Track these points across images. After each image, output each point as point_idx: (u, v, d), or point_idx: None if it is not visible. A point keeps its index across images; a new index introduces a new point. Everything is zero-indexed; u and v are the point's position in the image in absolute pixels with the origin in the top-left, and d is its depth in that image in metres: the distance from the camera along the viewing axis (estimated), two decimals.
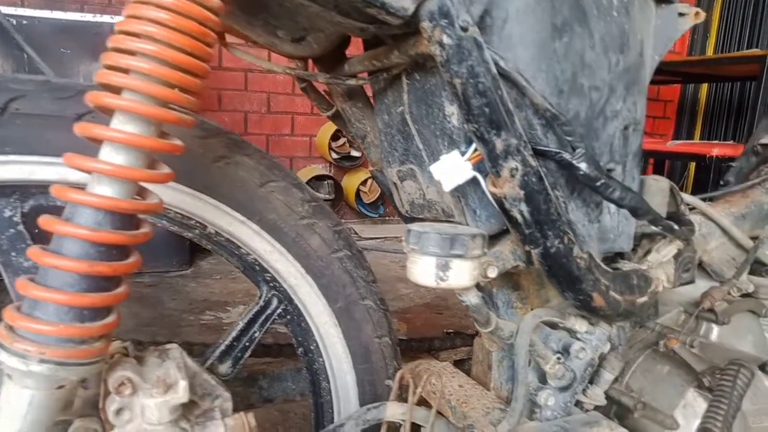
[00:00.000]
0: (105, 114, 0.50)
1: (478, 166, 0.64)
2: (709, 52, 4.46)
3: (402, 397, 0.71)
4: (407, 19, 0.56)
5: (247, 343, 0.76)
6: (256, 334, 0.76)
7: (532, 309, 0.80)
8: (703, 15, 0.84)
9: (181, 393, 0.54)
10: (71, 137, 0.51)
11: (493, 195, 0.64)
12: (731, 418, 0.66)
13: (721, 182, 1.18)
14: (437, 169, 0.66)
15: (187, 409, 0.59)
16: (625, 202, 0.67)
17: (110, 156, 0.48)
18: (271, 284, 0.76)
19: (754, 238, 0.98)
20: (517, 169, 0.62)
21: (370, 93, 0.86)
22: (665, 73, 3.83)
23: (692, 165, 4.28)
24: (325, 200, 3.70)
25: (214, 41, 0.50)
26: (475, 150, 0.64)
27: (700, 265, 0.96)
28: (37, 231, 0.53)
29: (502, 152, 0.61)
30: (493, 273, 0.66)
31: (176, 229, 0.69)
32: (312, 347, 0.79)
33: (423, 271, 0.62)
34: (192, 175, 0.66)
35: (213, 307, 2.37)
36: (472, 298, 0.65)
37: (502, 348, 0.87)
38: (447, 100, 0.67)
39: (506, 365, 0.88)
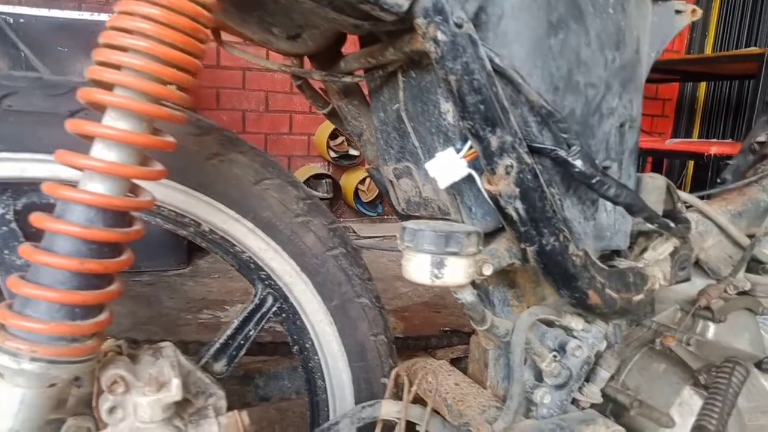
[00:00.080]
0: (97, 111, 0.49)
1: (474, 164, 0.64)
2: (708, 50, 4.46)
3: (397, 395, 0.71)
4: (401, 15, 0.55)
5: (242, 342, 0.76)
6: (251, 333, 0.76)
7: (528, 307, 0.80)
8: (699, 12, 0.84)
9: (174, 391, 0.54)
10: (64, 134, 0.51)
11: (489, 192, 0.64)
12: (726, 416, 0.66)
13: (719, 180, 1.17)
14: (432, 167, 0.66)
15: (180, 408, 0.59)
16: (620, 199, 0.67)
17: (102, 153, 0.48)
18: (266, 282, 0.75)
19: (750, 236, 0.97)
20: (512, 166, 0.61)
21: (366, 90, 0.86)
22: (664, 71, 3.83)
23: (691, 163, 4.28)
24: (324, 199, 3.70)
25: (206, 38, 0.50)
26: (471, 147, 0.64)
27: (697, 263, 0.96)
28: (30, 229, 0.53)
29: (498, 149, 0.60)
30: (488, 270, 0.66)
31: (170, 227, 0.68)
32: (307, 345, 0.79)
33: (418, 268, 0.62)
34: (186, 172, 0.66)
35: (211, 306, 2.37)
36: (468, 296, 0.65)
37: (498, 346, 0.87)
38: (442, 97, 0.67)
39: (502, 363, 0.88)
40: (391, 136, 0.80)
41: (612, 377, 0.81)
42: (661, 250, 0.81)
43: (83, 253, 0.47)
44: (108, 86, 0.48)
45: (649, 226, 0.78)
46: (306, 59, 0.84)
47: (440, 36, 0.55)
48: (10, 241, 0.62)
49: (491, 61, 0.59)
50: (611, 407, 0.83)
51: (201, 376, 0.61)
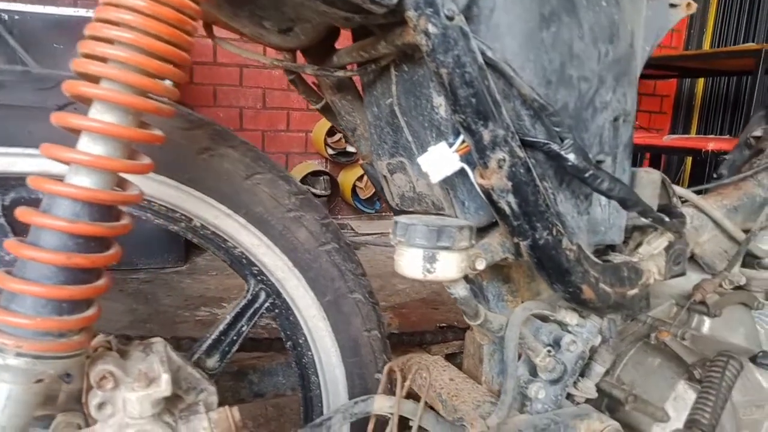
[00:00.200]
0: (83, 103, 0.49)
1: (467, 158, 0.64)
2: (706, 46, 4.45)
3: (391, 391, 0.71)
4: (392, 7, 0.55)
5: (235, 337, 0.75)
6: (243, 328, 0.76)
7: (522, 302, 0.79)
8: (694, 6, 0.84)
9: (164, 386, 0.54)
10: (52, 128, 0.50)
11: (481, 186, 0.64)
12: (720, 410, 0.65)
13: (715, 175, 1.17)
14: (425, 161, 0.66)
15: (171, 403, 0.58)
16: (613, 193, 0.66)
17: (88, 146, 0.47)
18: (259, 278, 0.75)
19: (746, 231, 0.97)
20: (504, 160, 0.61)
21: (359, 85, 0.86)
22: (662, 67, 3.83)
23: (689, 159, 4.28)
24: (321, 196, 3.69)
25: (194, 30, 0.50)
26: (463, 141, 0.63)
27: (692, 258, 0.96)
28: (19, 224, 0.52)
29: (490, 143, 0.60)
30: (481, 265, 0.65)
31: (162, 222, 0.68)
32: (300, 341, 0.79)
33: (410, 263, 0.62)
34: (176, 167, 0.66)
35: (208, 303, 2.37)
36: (460, 291, 0.65)
37: (493, 341, 0.86)
38: (435, 91, 0.66)
39: (497, 358, 0.87)
40: (384, 130, 0.80)
41: (607, 372, 0.81)
42: (656, 244, 0.81)
43: (70, 248, 0.47)
44: (94, 79, 0.48)
45: (644, 220, 0.78)
46: (299, 54, 0.83)
47: (431, 28, 0.55)
48: None
49: (483, 54, 0.59)
50: (606, 402, 0.83)
51: (192, 371, 0.61)
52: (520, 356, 0.78)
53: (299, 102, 3.67)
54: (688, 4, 0.83)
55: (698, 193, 1.01)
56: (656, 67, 3.80)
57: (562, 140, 0.64)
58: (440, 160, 0.65)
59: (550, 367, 0.76)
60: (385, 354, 0.83)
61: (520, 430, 0.72)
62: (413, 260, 0.61)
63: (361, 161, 0.96)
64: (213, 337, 0.75)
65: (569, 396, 0.80)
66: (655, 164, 4.14)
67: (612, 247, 0.83)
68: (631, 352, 0.86)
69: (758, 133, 1.12)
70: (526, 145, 0.63)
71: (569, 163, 0.64)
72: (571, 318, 0.78)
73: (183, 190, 0.67)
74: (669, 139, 3.45)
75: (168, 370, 0.55)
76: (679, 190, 0.91)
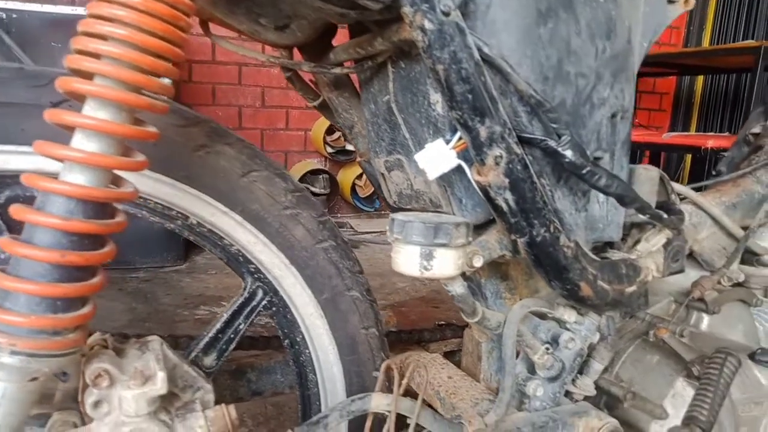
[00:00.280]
0: (76, 100, 0.49)
1: (464, 155, 0.64)
2: (705, 43, 4.45)
3: (388, 388, 0.71)
4: (388, 3, 0.55)
5: (232, 336, 0.75)
6: (240, 326, 0.75)
7: (520, 299, 0.79)
8: (692, 2, 0.83)
9: (159, 384, 0.54)
10: (46, 126, 0.50)
11: (478, 183, 0.63)
12: (718, 406, 0.65)
13: (714, 172, 1.17)
14: (422, 158, 0.65)
15: (167, 401, 0.58)
16: (611, 189, 0.66)
17: (82, 143, 0.47)
18: (256, 276, 0.75)
19: (745, 228, 0.97)
20: (501, 156, 0.61)
21: (357, 82, 0.85)
22: (661, 65, 3.83)
23: (688, 157, 4.27)
24: (321, 195, 3.69)
25: (187, 26, 0.49)
26: (460, 138, 0.63)
27: (691, 255, 0.96)
28: (14, 222, 0.52)
29: (486, 140, 0.60)
30: (478, 262, 0.65)
31: (158, 220, 0.68)
32: (298, 339, 0.78)
33: (407, 260, 0.62)
34: (172, 164, 0.65)
35: (208, 302, 2.37)
36: (458, 288, 0.65)
37: (491, 339, 0.86)
38: (432, 87, 0.66)
39: (495, 356, 0.87)
40: (381, 128, 0.79)
41: (605, 369, 0.81)
42: (654, 241, 0.81)
43: (64, 245, 0.47)
44: (87, 75, 0.47)
45: (642, 217, 0.77)
46: (296, 51, 0.83)
47: (427, 24, 0.55)
48: None
49: (479, 50, 0.58)
50: (605, 399, 0.83)
51: (188, 369, 0.61)
52: (518, 354, 0.78)
53: (298, 100, 3.66)
54: (686, 0, 0.83)
55: (697, 190, 1.00)
56: (655, 65, 3.79)
57: (559, 137, 0.64)
58: (437, 157, 0.64)
59: (548, 365, 0.76)
60: (383, 351, 0.83)
61: (518, 427, 0.72)
62: (410, 257, 0.61)
63: (358, 159, 0.96)
64: (210, 335, 0.74)
65: (568, 393, 0.80)
66: (654, 162, 4.14)
67: (610, 244, 0.82)
68: (630, 350, 0.86)
69: (757, 129, 1.11)
70: (523, 141, 0.63)
71: (566, 160, 0.63)
72: (569, 315, 0.78)
73: (179, 188, 0.66)
74: (668, 137, 3.45)
75: (164, 368, 0.55)
76: (677, 187, 0.91)
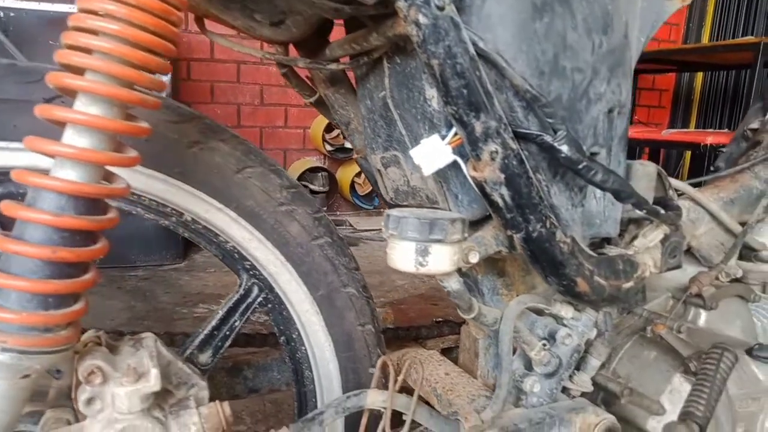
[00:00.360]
0: (67, 96, 0.48)
1: (459, 150, 0.63)
2: (705, 40, 4.44)
3: (385, 385, 0.71)
4: None
5: (228, 332, 0.75)
6: (236, 323, 0.75)
7: (517, 295, 0.79)
8: None
9: (153, 381, 0.53)
10: (39, 122, 0.50)
11: (474, 179, 0.63)
12: (714, 401, 0.65)
13: (712, 168, 1.17)
14: (417, 154, 0.65)
15: (161, 399, 0.58)
16: (607, 185, 0.66)
17: (73, 139, 0.47)
18: (251, 272, 0.74)
19: (743, 223, 0.97)
20: (497, 152, 0.60)
21: (353, 78, 0.85)
22: (660, 62, 3.82)
23: (688, 154, 4.27)
24: (320, 192, 3.69)
25: (179, 20, 0.49)
26: (455, 133, 0.63)
27: (689, 251, 0.96)
28: (7, 219, 0.52)
29: (482, 135, 0.59)
30: (474, 258, 0.65)
31: (152, 217, 0.67)
32: (294, 336, 0.78)
33: (402, 256, 0.61)
34: (166, 160, 0.65)
35: (206, 300, 2.36)
36: (453, 284, 0.64)
37: (488, 335, 0.86)
38: (427, 83, 0.66)
39: (492, 352, 0.87)
40: (378, 124, 0.79)
41: (602, 365, 0.81)
42: (651, 237, 0.80)
43: (55, 242, 0.46)
44: (79, 71, 0.47)
45: (639, 213, 0.77)
46: (292, 47, 0.83)
47: (422, 19, 0.54)
48: None
49: (474, 44, 0.58)
50: (602, 395, 0.83)
51: (182, 366, 0.61)
52: (515, 350, 0.78)
53: (297, 98, 3.65)
54: None
55: (695, 185, 1.00)
56: (655, 62, 3.79)
57: (555, 132, 0.63)
58: (433, 152, 0.64)
59: (545, 361, 0.75)
60: (380, 348, 0.83)
61: (515, 423, 0.72)
62: (405, 253, 0.61)
63: (355, 155, 0.96)
64: (205, 332, 0.74)
65: (565, 390, 0.79)
66: (654, 158, 4.13)
67: (608, 240, 0.82)
68: (627, 346, 0.86)
69: (755, 125, 1.11)
70: (518, 136, 0.62)
71: (562, 155, 0.63)
72: (566, 311, 0.78)
73: (173, 184, 0.66)
74: (668, 134, 3.45)
75: (157, 365, 0.55)
76: (675, 182, 0.90)
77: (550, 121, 0.64)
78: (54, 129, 0.49)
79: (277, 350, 0.94)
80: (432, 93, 0.66)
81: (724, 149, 1.20)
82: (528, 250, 0.67)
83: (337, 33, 0.79)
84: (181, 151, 0.66)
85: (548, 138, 0.63)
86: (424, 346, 1.01)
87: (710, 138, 2.97)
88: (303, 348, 0.79)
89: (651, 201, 0.77)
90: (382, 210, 3.95)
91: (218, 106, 3.52)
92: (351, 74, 0.84)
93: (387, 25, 0.64)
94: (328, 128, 3.60)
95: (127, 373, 0.53)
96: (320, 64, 0.77)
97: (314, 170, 3.69)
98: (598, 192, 0.75)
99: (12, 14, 2.41)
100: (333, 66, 0.76)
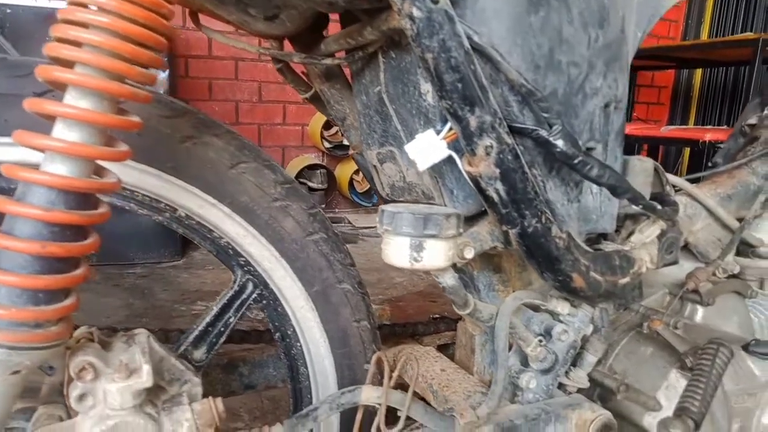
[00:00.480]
0: (57, 89, 0.48)
1: (454, 145, 0.63)
2: (704, 36, 4.43)
3: (380, 381, 0.70)
4: None
5: (222, 329, 0.74)
6: (231, 320, 0.75)
7: (514, 291, 0.79)
8: None
9: (145, 377, 0.53)
10: (30, 116, 0.49)
11: (469, 174, 0.63)
12: (710, 397, 0.65)
13: (710, 164, 1.16)
14: (412, 149, 0.65)
15: (154, 395, 0.58)
16: (603, 180, 0.65)
17: (63, 133, 0.46)
18: (246, 268, 0.74)
19: (740, 219, 0.96)
20: (492, 146, 0.60)
21: (349, 74, 0.85)
22: (659, 58, 3.81)
23: (686, 150, 4.27)
24: (318, 190, 3.68)
25: (170, 13, 0.48)
26: (450, 128, 0.62)
27: (686, 247, 0.95)
28: None
29: (477, 129, 0.59)
30: (469, 254, 0.65)
31: (145, 212, 0.67)
32: (289, 332, 0.78)
33: (397, 251, 0.61)
34: (159, 155, 0.65)
35: (205, 297, 2.36)
36: (448, 279, 0.64)
37: (484, 332, 0.86)
38: (422, 77, 0.65)
39: (489, 349, 0.87)
40: (373, 119, 0.79)
41: (599, 361, 0.81)
42: (648, 233, 0.80)
43: (45, 237, 0.46)
44: (68, 64, 0.47)
45: (636, 208, 0.77)
46: (288, 42, 0.82)
47: (416, 12, 0.54)
48: None
49: (469, 38, 0.57)
50: (598, 391, 0.83)
51: (175, 362, 0.60)
52: (511, 346, 0.78)
53: (295, 96, 3.63)
54: None
55: (693, 181, 1.00)
56: (654, 58, 3.78)
57: (550, 126, 0.63)
58: (428, 147, 0.64)
59: (541, 357, 0.75)
60: (375, 344, 0.82)
61: (511, 419, 0.72)
62: (400, 249, 0.61)
63: (351, 151, 0.95)
64: (200, 328, 0.74)
65: (561, 386, 0.79)
66: (653, 155, 4.12)
67: (604, 236, 0.82)
68: (624, 342, 0.85)
69: (753, 121, 1.10)
70: (514, 131, 0.62)
71: (558, 150, 0.63)
72: (562, 307, 0.78)
73: (166, 180, 0.66)
74: (667, 130, 3.44)
75: (149, 361, 0.54)
76: (672, 178, 0.90)
77: (545, 115, 0.63)
78: (45, 123, 0.49)
79: (272, 347, 0.94)
80: (427, 87, 0.65)
81: (722, 145, 1.19)
82: (523, 245, 0.66)
83: (334, 29, 0.78)
84: (174, 146, 0.66)
85: (544, 133, 0.62)
86: (420, 342, 1.01)
87: (709, 134, 2.97)
88: (298, 344, 0.79)
89: (648, 196, 0.77)
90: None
91: (216, 103, 3.51)
92: (347, 69, 0.83)
93: (381, 19, 0.63)
94: (327, 125, 3.59)
95: (118, 369, 0.52)
96: (315, 59, 0.76)
97: (313, 167, 3.68)
98: (595, 187, 0.74)
99: (8, 11, 2.41)
100: (328, 61, 0.75)
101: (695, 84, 4.52)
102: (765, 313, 0.94)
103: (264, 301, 0.76)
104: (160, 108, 0.65)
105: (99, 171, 0.51)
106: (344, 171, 3.75)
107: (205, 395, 0.63)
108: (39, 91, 0.58)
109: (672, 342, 0.82)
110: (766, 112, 1.08)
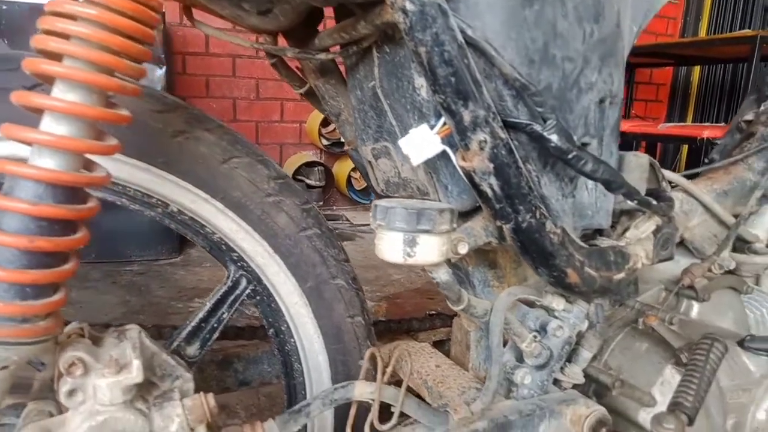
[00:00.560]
0: (45, 82, 0.47)
1: (448, 140, 0.62)
2: (702, 33, 4.43)
3: (374, 377, 0.70)
4: None
5: (215, 325, 0.74)
6: (224, 315, 0.74)
7: (509, 287, 0.78)
8: None
9: (135, 373, 0.53)
10: (19, 110, 0.49)
11: (463, 169, 0.62)
12: (704, 392, 0.64)
13: (706, 160, 1.16)
14: (406, 143, 0.64)
15: (145, 390, 0.57)
16: (597, 175, 0.65)
17: (51, 126, 0.46)
18: (239, 264, 0.74)
19: (736, 215, 0.96)
20: (485, 141, 0.60)
21: (343, 69, 0.84)
22: (658, 55, 3.80)
23: (684, 147, 4.27)
24: (316, 187, 3.68)
25: (159, 5, 0.48)
26: (444, 123, 0.62)
27: (682, 243, 0.95)
28: None
29: (470, 124, 0.58)
30: (463, 249, 0.64)
31: (137, 208, 0.67)
32: (283, 328, 0.78)
33: (390, 247, 0.61)
34: (150, 150, 0.64)
35: (202, 294, 2.36)
36: (442, 275, 0.64)
37: (480, 328, 0.86)
38: (416, 72, 0.65)
39: (484, 345, 0.87)
40: (368, 114, 0.78)
41: (594, 357, 0.80)
42: (643, 228, 0.80)
43: (33, 231, 0.46)
44: (56, 56, 0.46)
45: (632, 204, 0.76)
46: (282, 37, 0.82)
47: (408, 5, 0.53)
48: None
49: (462, 32, 0.57)
50: (593, 387, 0.83)
51: (166, 358, 0.60)
52: (506, 342, 0.77)
53: (293, 93, 3.61)
54: None
55: (689, 177, 1.00)
56: (652, 55, 3.77)
57: (545, 121, 0.63)
58: (421, 142, 0.63)
59: (536, 353, 0.75)
60: (370, 340, 0.82)
61: (505, 415, 0.71)
62: (393, 244, 0.60)
63: (346, 147, 0.95)
64: (193, 324, 0.73)
65: (556, 381, 0.79)
66: (651, 152, 4.13)
67: (600, 232, 0.81)
68: (619, 338, 0.85)
69: (749, 117, 1.10)
70: (508, 126, 0.61)
71: (552, 144, 0.62)
72: (557, 303, 0.77)
73: (158, 174, 0.65)
74: (665, 128, 3.44)
75: (140, 357, 0.54)
76: (668, 174, 0.90)
77: (539, 110, 0.63)
78: (33, 117, 0.48)
79: (267, 343, 0.94)
80: (421, 82, 0.65)
81: (719, 142, 1.19)
82: (518, 240, 0.66)
83: (331, 25, 0.78)
84: (166, 140, 0.65)
85: (538, 127, 0.62)
86: (416, 338, 1.01)
87: (707, 132, 2.97)
88: (292, 340, 0.78)
89: (643, 192, 0.77)
90: None
91: (214, 100, 3.50)
92: (342, 65, 0.83)
93: (375, 13, 0.63)
94: (325, 123, 3.58)
95: (108, 364, 0.52)
96: (309, 53, 0.76)
97: (311, 165, 3.67)
98: (590, 183, 0.74)
99: (4, 7, 2.40)
100: (322, 56, 0.75)
101: (693, 81, 4.52)
102: (760, 309, 0.94)
103: (257, 297, 0.76)
104: (152, 102, 0.65)
105: (88, 165, 0.51)
106: (342, 168, 3.74)
107: (199, 391, 0.63)
108: (29, 85, 0.58)
109: (667, 338, 0.82)
110: (762, 108, 1.07)
